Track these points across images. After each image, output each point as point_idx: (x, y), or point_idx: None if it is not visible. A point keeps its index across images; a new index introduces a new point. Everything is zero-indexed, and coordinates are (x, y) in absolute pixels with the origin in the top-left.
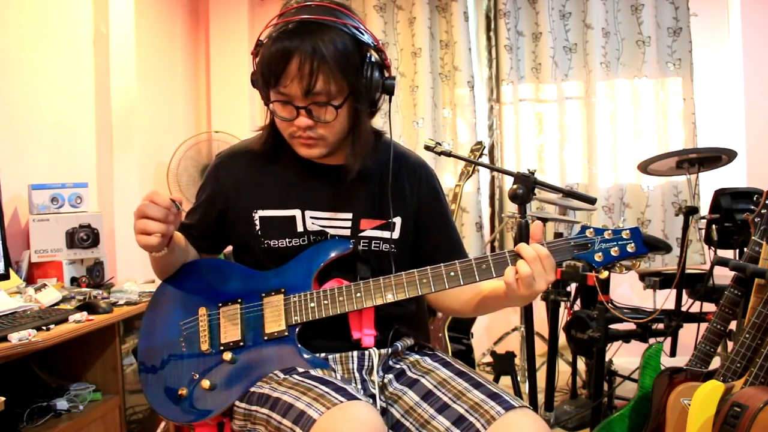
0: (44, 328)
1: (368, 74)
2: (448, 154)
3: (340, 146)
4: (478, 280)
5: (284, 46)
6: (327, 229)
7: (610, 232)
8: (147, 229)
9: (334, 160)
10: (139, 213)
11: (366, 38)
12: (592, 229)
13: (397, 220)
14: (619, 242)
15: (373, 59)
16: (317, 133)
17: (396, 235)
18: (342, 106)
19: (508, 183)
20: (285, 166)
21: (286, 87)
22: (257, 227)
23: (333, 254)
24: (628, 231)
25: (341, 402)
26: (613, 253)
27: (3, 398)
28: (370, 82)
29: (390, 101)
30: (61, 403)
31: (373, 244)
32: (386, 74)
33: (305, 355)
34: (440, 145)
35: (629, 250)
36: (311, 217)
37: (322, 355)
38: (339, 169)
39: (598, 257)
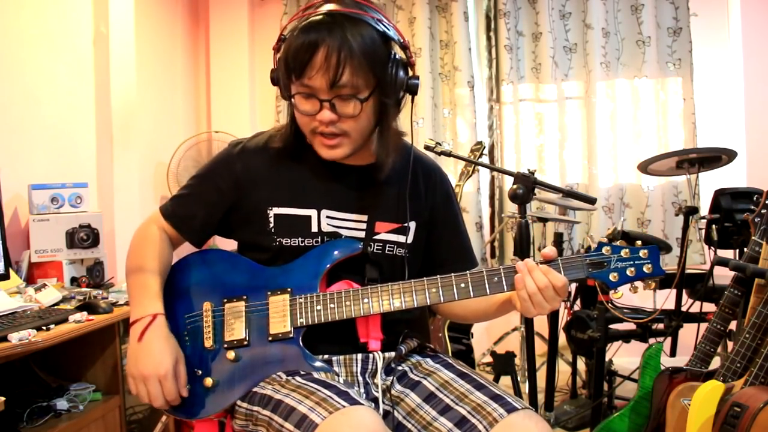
0: (44, 328)
1: (393, 71)
2: (448, 154)
3: (362, 147)
4: (488, 293)
5: (311, 38)
6: (341, 231)
7: (627, 251)
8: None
9: (354, 160)
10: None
11: (392, 34)
12: (609, 247)
13: (412, 225)
14: (636, 262)
15: (398, 57)
16: (340, 128)
17: (409, 239)
18: (368, 99)
19: (508, 183)
20: (304, 165)
21: (310, 79)
22: (271, 225)
23: (341, 255)
24: (645, 251)
25: (343, 407)
26: (629, 274)
27: (3, 398)
28: (394, 80)
29: (413, 101)
30: (61, 403)
31: (386, 248)
32: (410, 73)
33: (309, 358)
34: (440, 145)
35: (646, 271)
36: (327, 217)
37: (326, 356)
38: (358, 170)
39: (613, 277)
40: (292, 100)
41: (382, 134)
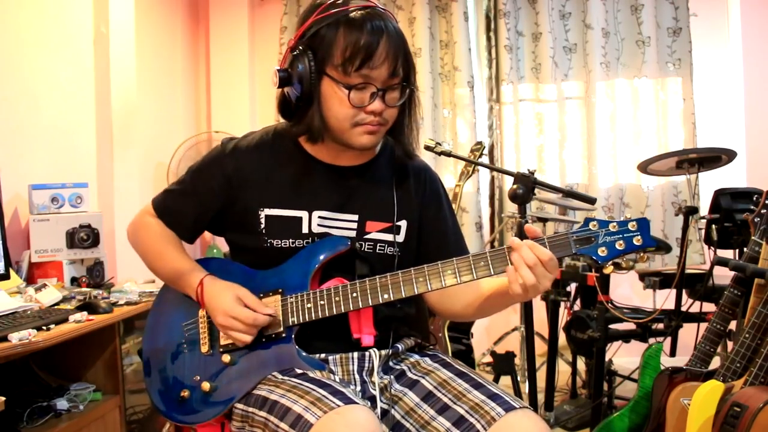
0: (44, 328)
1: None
2: (448, 154)
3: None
4: (476, 277)
5: (375, 28)
6: (332, 231)
7: (615, 224)
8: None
9: (345, 161)
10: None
11: None
12: (595, 222)
13: (403, 223)
14: (625, 234)
15: None
16: (383, 117)
17: (401, 238)
18: (408, 88)
19: (508, 183)
20: (295, 166)
21: (371, 69)
22: (262, 226)
23: (330, 253)
24: (634, 222)
25: (339, 406)
26: (618, 247)
27: (3, 398)
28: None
29: None
30: (61, 403)
31: (377, 247)
32: None
33: (303, 357)
34: (440, 145)
35: (636, 243)
36: (319, 217)
37: (322, 355)
38: (349, 170)
39: (601, 251)
40: (349, 92)
41: (410, 123)
